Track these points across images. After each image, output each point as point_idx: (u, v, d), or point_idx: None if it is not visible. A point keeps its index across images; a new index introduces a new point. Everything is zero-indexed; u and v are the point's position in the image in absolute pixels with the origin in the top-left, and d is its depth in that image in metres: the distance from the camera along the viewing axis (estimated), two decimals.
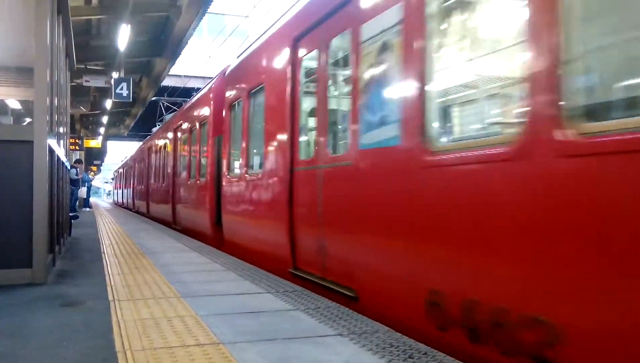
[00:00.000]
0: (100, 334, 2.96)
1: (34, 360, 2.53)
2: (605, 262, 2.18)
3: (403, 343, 2.83)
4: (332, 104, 4.92)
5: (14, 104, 10.22)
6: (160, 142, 15.98)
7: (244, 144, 7.23)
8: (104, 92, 19.70)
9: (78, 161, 21.70)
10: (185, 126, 12.24)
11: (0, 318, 3.35)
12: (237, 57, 8.31)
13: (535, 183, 2.50)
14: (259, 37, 7.20)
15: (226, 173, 7.99)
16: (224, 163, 8.18)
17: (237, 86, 7.73)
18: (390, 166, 3.70)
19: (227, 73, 8.59)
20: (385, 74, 3.85)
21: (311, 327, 3.15)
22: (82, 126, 29.17)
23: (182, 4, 12.98)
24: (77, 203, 18.02)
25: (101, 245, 7.64)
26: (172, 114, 18.80)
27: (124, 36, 13.33)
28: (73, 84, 14.58)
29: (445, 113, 3.81)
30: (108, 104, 22.05)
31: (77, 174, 17.97)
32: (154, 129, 21.80)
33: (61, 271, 5.24)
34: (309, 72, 5.34)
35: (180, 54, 16.95)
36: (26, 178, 4.46)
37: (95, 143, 32.03)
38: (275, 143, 5.93)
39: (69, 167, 9.60)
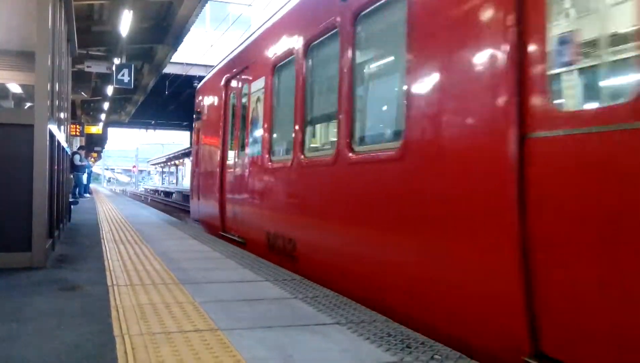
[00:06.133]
0: (98, 319, 2.97)
1: (32, 344, 2.54)
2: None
3: (401, 332, 2.84)
4: (240, 126, 7.65)
5: (15, 88, 10.18)
6: None
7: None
8: (106, 78, 19.62)
9: (82, 148, 21.68)
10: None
11: None
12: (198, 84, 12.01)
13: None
14: (212, 69, 10.29)
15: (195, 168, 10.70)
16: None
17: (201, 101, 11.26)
18: (260, 167, 6.48)
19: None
20: (258, 113, 6.71)
21: (309, 315, 3.16)
22: (83, 112, 29.08)
23: None
24: (77, 190, 17.95)
25: (100, 231, 7.65)
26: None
27: (126, 22, 13.27)
28: (74, 69, 14.53)
29: (275, 142, 6.36)
30: (109, 90, 21.96)
31: (80, 160, 17.96)
32: None
33: (60, 256, 5.25)
34: (233, 104, 8.29)
35: (182, 41, 16.87)
36: (26, 162, 4.45)
37: (96, 129, 31.95)
38: (214, 149, 9.05)
39: (69, 153, 9.59)
